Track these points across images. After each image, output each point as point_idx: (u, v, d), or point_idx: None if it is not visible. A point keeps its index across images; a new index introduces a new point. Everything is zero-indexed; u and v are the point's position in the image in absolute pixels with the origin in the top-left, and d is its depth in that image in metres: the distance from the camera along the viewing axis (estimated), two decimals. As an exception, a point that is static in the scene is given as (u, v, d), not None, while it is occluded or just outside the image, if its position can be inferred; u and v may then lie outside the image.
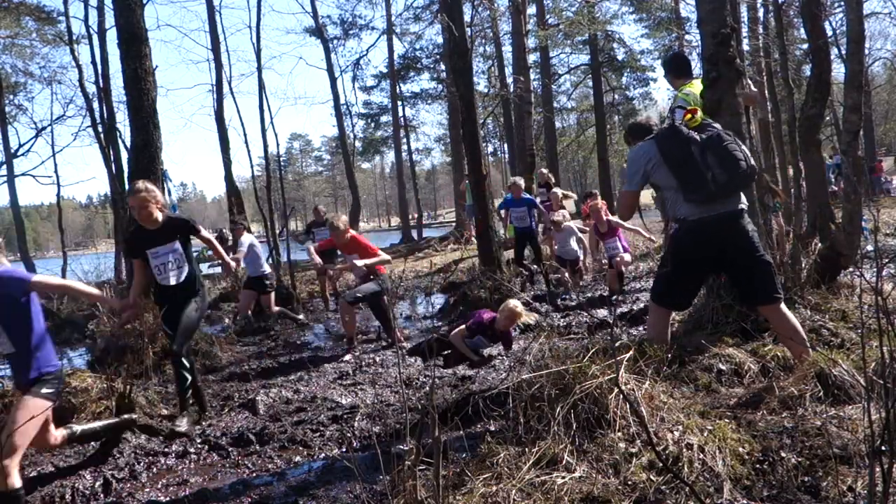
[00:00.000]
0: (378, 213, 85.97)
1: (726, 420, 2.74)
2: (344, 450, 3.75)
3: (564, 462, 2.43)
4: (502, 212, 9.72)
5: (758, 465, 2.45)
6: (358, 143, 32.91)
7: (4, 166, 18.59)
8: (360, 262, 6.26)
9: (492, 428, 3.37)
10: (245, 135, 24.96)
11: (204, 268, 15.86)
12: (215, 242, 4.76)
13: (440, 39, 24.95)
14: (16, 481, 2.94)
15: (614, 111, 31.09)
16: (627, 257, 7.97)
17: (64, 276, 14.48)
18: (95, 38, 15.10)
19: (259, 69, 13.84)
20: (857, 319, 4.10)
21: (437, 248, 18.41)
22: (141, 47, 7.28)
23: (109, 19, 14.10)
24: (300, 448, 3.87)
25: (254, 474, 3.56)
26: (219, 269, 14.86)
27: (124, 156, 13.17)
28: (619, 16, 27.57)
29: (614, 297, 7.44)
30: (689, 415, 2.71)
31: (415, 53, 28.06)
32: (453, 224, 24.41)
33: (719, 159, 3.33)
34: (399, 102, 28.16)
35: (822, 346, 3.59)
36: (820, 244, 5.66)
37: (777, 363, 3.49)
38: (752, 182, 3.80)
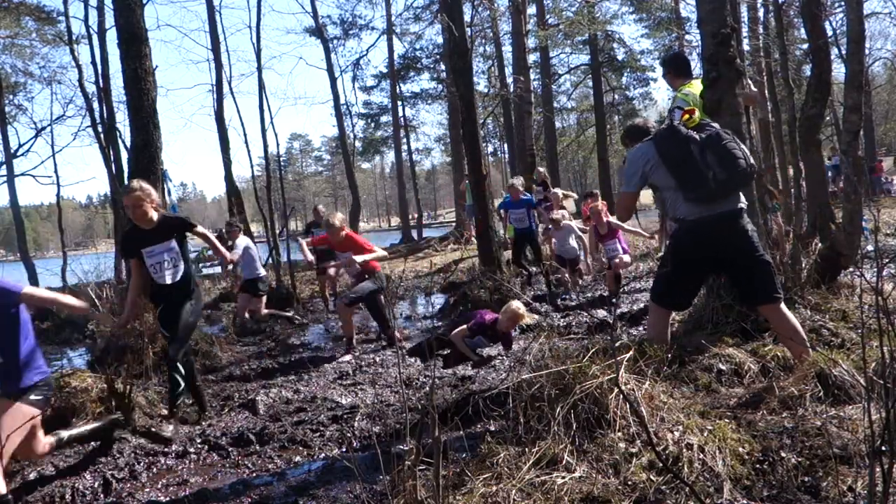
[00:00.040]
0: (378, 213, 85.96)
1: (726, 420, 2.74)
2: (344, 450, 3.75)
3: (564, 462, 2.43)
4: (502, 212, 9.73)
5: (758, 465, 2.45)
6: (358, 143, 32.88)
7: (4, 166, 18.56)
8: (358, 258, 6.26)
9: (492, 428, 3.37)
10: (245, 135, 25.07)
11: (203, 268, 15.93)
12: (212, 237, 4.76)
13: (440, 39, 24.96)
14: (1, 487, 2.91)
15: (614, 111, 31.13)
16: (627, 259, 7.96)
17: (64, 276, 14.49)
18: (95, 38, 15.14)
19: (259, 69, 13.89)
20: (857, 319, 4.10)
21: (437, 248, 18.38)
22: (141, 47, 7.28)
23: (109, 19, 14.13)
24: (300, 448, 3.88)
25: (254, 474, 3.56)
26: (218, 269, 14.90)
27: (124, 156, 13.24)
28: (619, 16, 27.66)
29: (613, 297, 7.44)
30: (689, 415, 2.71)
31: (415, 53, 28.07)
32: (453, 224, 24.37)
33: (719, 158, 3.33)
34: (399, 102, 28.13)
35: (823, 346, 3.59)
36: (820, 244, 5.65)
37: (777, 363, 3.48)
38: (752, 181, 3.80)
